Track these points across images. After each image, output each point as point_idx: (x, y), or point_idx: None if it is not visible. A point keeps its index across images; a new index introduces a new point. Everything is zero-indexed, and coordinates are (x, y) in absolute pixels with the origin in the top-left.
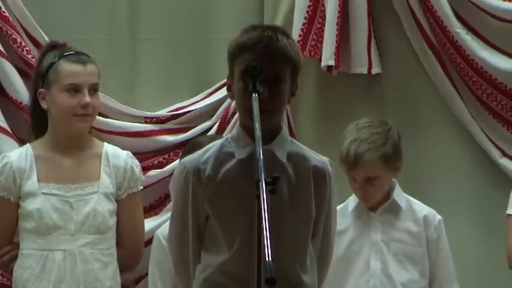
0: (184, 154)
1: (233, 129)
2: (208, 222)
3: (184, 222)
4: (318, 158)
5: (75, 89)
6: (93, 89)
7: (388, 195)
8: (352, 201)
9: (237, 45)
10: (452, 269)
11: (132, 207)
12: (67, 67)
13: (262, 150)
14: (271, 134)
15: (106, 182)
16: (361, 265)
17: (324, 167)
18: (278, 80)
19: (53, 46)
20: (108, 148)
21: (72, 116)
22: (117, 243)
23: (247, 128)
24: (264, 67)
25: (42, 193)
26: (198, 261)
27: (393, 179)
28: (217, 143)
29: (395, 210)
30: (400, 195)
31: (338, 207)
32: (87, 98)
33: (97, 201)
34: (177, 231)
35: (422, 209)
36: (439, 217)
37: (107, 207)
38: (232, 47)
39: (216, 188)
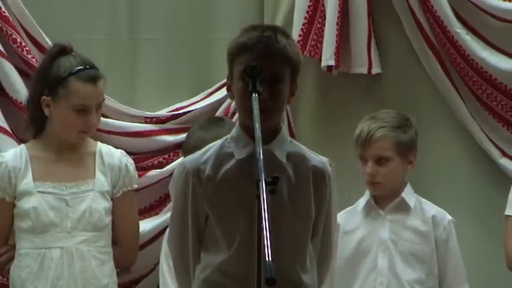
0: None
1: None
2: (208, 223)
3: (184, 222)
4: (318, 158)
5: (83, 109)
6: (99, 106)
7: (397, 193)
8: (363, 200)
9: (236, 46)
10: (462, 270)
11: (127, 205)
12: (78, 87)
13: (262, 150)
14: (270, 134)
15: (101, 180)
16: (369, 263)
17: (323, 167)
18: (278, 80)
19: (61, 51)
20: (102, 147)
21: (77, 132)
22: (113, 242)
23: (246, 128)
24: (263, 67)
25: (38, 192)
26: (197, 261)
27: (405, 180)
28: (218, 143)
29: (404, 209)
30: (409, 195)
31: (348, 208)
32: (94, 120)
33: (93, 198)
34: (177, 232)
35: (431, 209)
36: (449, 217)
37: (103, 204)
38: (232, 47)
39: (216, 188)
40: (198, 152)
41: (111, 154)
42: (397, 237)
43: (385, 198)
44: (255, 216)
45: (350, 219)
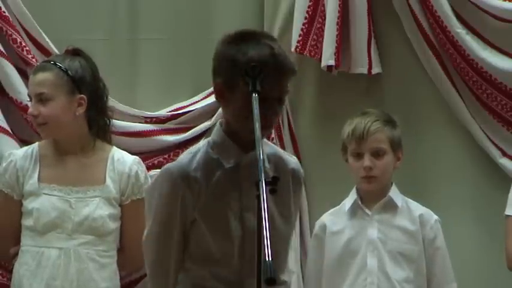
0: None
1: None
2: (195, 229)
3: (169, 229)
4: (293, 160)
5: (31, 99)
6: (40, 99)
7: (384, 193)
8: (348, 200)
9: (248, 61)
10: (449, 269)
11: (134, 213)
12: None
13: (259, 153)
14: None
15: (110, 187)
16: (358, 263)
17: (299, 168)
18: (282, 100)
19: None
20: (115, 153)
21: (33, 122)
22: (120, 248)
23: (236, 135)
24: (273, 87)
25: (44, 194)
26: (179, 267)
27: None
28: (201, 149)
29: (391, 208)
30: (396, 194)
31: (333, 209)
32: (31, 108)
33: (98, 204)
34: (160, 238)
35: (418, 208)
36: (435, 217)
37: (108, 211)
38: (240, 61)
39: (208, 196)
40: (185, 157)
41: (123, 161)
42: (385, 237)
43: (371, 199)
44: (246, 224)
45: (335, 220)
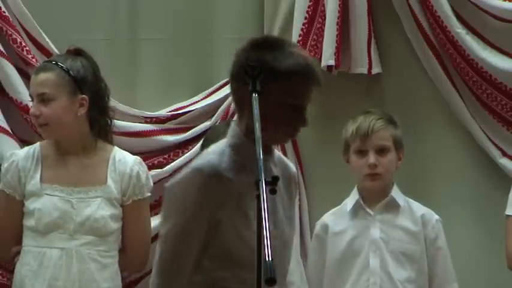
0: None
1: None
2: (219, 229)
3: (194, 228)
4: (291, 164)
5: (32, 99)
6: (42, 99)
7: (386, 193)
8: (350, 200)
9: (286, 70)
10: (451, 268)
11: (136, 214)
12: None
13: (262, 152)
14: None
15: (111, 187)
16: (361, 264)
17: (295, 173)
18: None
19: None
20: (117, 153)
21: (35, 123)
22: (122, 248)
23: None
24: (306, 96)
25: (46, 194)
26: (193, 268)
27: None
28: (225, 150)
29: (393, 208)
30: (398, 194)
31: (334, 209)
32: (32, 108)
33: (99, 205)
34: (182, 237)
35: (419, 208)
36: (436, 217)
37: (110, 211)
38: (278, 69)
39: (236, 197)
40: (212, 157)
41: (124, 161)
42: (387, 237)
43: (373, 198)
44: (271, 225)
45: (337, 221)
